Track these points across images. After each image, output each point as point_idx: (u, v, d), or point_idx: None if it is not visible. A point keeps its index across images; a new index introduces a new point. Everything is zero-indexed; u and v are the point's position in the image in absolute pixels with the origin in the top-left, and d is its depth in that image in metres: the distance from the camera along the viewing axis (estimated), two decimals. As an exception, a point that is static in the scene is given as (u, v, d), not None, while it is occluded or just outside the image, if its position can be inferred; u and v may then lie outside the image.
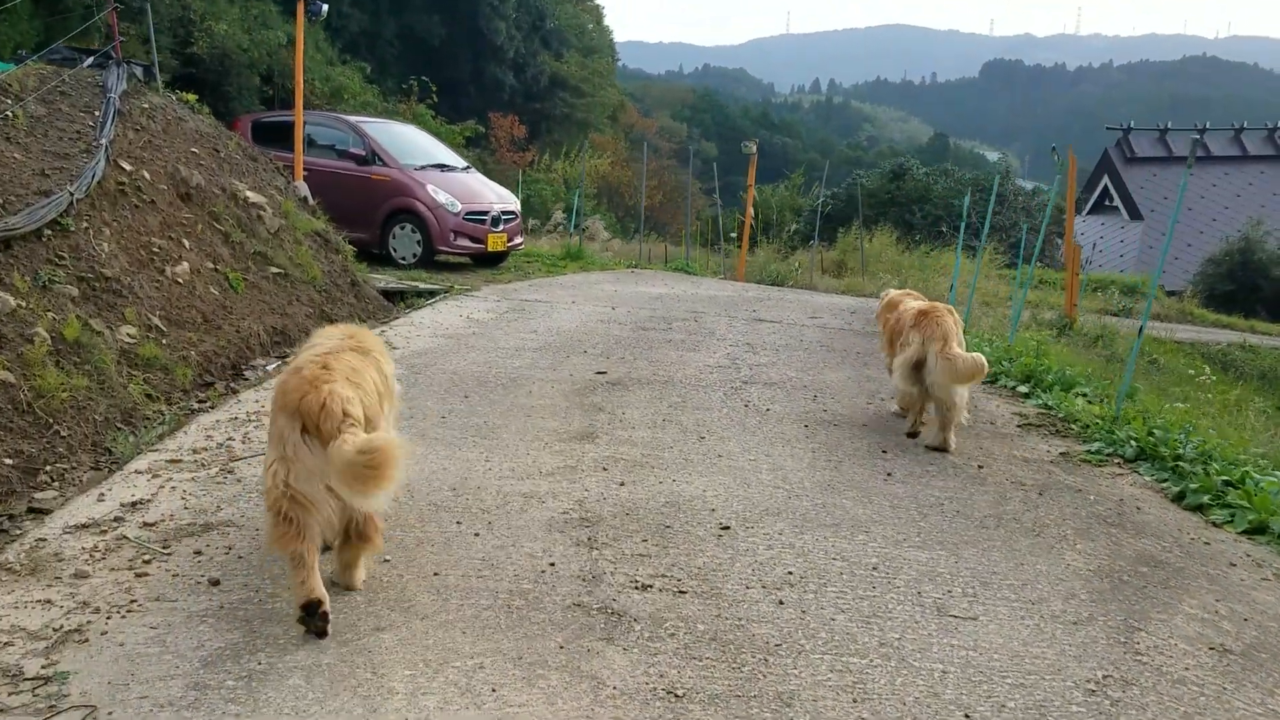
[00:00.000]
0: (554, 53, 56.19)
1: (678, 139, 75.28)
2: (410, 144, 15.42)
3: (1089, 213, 45.35)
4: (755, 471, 5.37)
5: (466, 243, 14.38)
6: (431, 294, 11.93)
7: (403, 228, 14.20)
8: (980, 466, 5.69)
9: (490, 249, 14.60)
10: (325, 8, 12.15)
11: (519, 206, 15.77)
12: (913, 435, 6.24)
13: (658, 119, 78.16)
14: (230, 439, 5.68)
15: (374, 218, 14.18)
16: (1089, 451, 6.12)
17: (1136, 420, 6.48)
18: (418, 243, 14.17)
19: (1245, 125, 46.32)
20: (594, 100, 58.62)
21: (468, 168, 15.95)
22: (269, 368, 7.84)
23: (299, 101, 12.43)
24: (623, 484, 5.07)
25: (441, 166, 15.13)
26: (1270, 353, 21.07)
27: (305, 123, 13.07)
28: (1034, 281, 28.80)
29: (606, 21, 66.88)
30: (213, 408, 6.46)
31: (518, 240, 15.55)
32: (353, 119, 15.29)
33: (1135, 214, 44.07)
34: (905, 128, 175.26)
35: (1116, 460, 5.98)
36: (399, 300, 11.52)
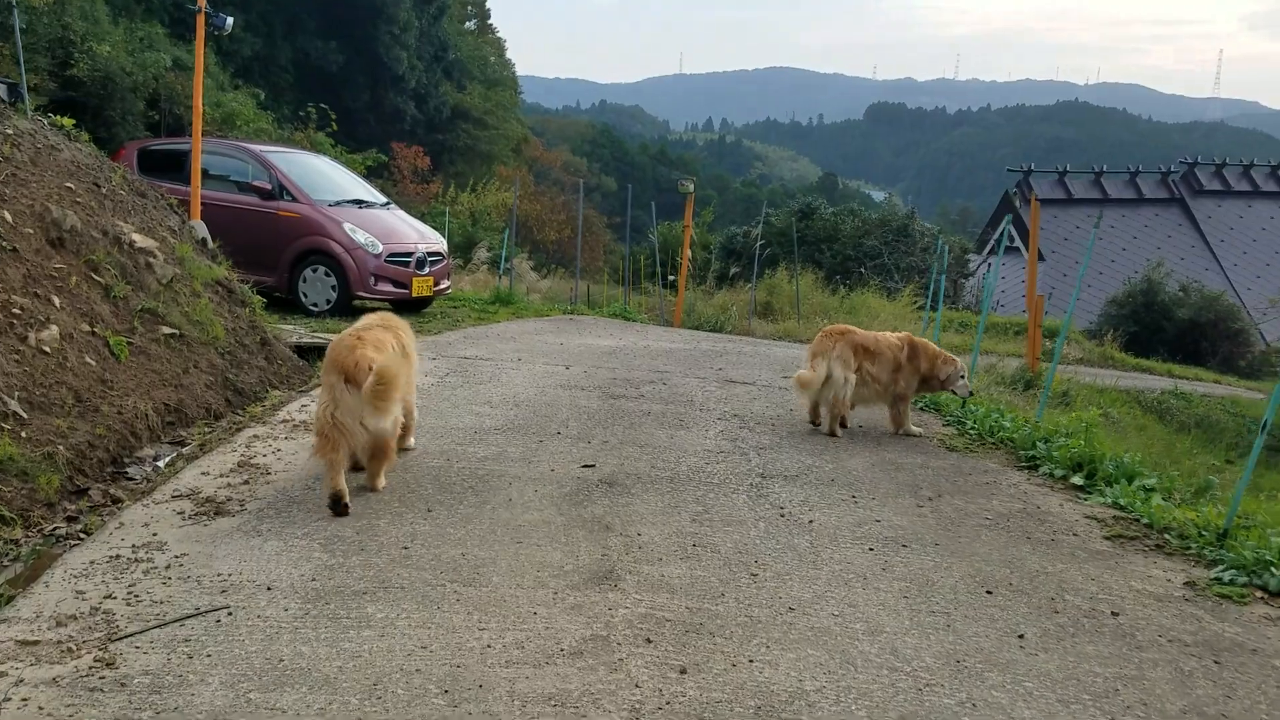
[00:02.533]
0: (456, 84, 54.74)
1: (580, 173, 74.45)
2: (321, 177, 13.68)
3: (990, 252, 45.60)
4: (850, 638, 3.93)
5: (388, 287, 12.71)
6: (353, 351, 10.21)
7: (315, 271, 12.46)
8: (1115, 614, 4.36)
9: (415, 294, 12.95)
10: (230, 21, 10.40)
11: (446, 246, 14.14)
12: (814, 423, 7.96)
13: (560, 153, 77.09)
14: (109, 596, 3.99)
15: (281, 260, 12.42)
16: (1219, 581, 4.86)
17: (1254, 532, 5.28)
18: (332, 288, 12.45)
19: (1140, 169, 47.40)
20: (498, 133, 57.35)
21: (388, 204, 14.26)
22: (160, 463, 6.10)
23: (197, 127, 10.65)
24: (684, 671, 3.57)
25: (359, 202, 13.44)
26: (1201, 400, 20.68)
27: (202, 151, 11.25)
28: (954, 325, 28.30)
29: (508, 55, 65.67)
30: (86, 535, 4.74)
31: (445, 284, 13.91)
32: (256, 148, 13.47)
33: (1038, 255, 44.50)
34: (795, 166, 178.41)
35: (1259, 593, 4.75)
36: (316, 358, 9.80)
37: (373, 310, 12.91)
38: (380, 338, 5.41)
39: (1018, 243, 46.10)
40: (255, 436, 6.54)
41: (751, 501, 5.67)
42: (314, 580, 4.20)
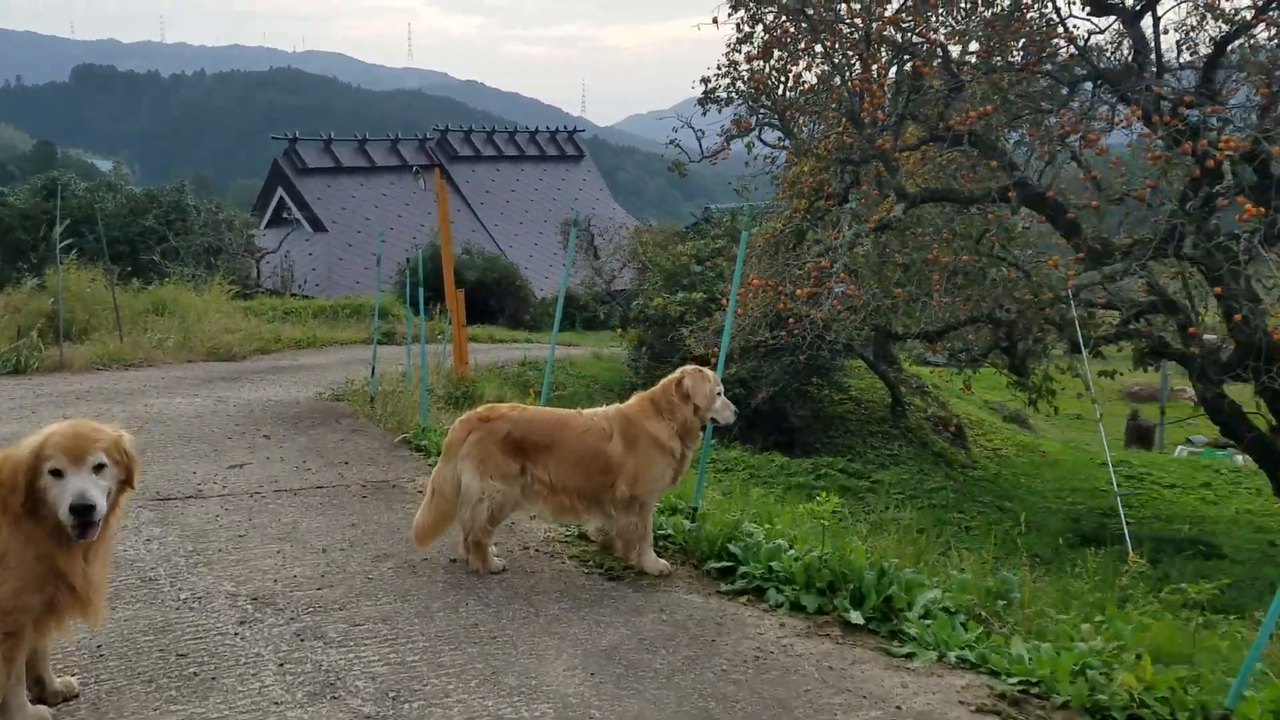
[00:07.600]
0: None
1: None
2: None
3: (268, 225, 41.70)
4: None
5: None
6: None
7: None
8: None
9: None
10: None
11: None
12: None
13: None
14: None
15: None
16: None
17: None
18: None
19: (400, 136, 47.13)
20: None
21: None
22: None
23: None
24: None
25: None
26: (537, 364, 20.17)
27: None
28: (277, 313, 24.67)
29: None
30: None
31: None
32: None
33: (319, 226, 41.76)
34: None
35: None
36: None
37: None
38: None
39: (296, 214, 43.00)
40: None
41: None
42: None
